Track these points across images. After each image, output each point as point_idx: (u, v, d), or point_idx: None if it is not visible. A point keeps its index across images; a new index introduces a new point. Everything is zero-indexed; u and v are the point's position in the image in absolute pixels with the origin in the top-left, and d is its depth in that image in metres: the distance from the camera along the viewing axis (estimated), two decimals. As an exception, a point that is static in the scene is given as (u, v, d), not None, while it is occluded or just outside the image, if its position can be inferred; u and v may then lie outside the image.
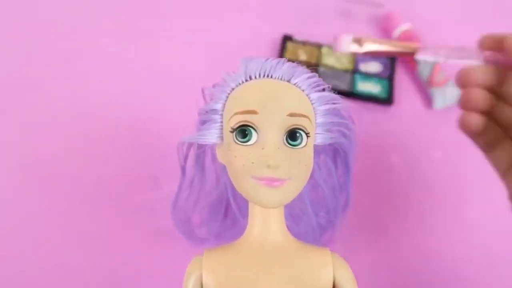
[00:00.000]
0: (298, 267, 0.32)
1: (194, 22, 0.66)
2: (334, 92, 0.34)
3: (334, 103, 0.34)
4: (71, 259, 0.49)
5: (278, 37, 0.65)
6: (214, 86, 0.35)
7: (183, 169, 0.39)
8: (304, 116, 0.31)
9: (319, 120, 0.33)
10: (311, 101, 0.33)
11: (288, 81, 0.32)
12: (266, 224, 0.32)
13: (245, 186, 0.30)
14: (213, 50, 0.63)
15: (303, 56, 0.64)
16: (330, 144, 0.36)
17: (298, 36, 0.65)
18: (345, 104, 0.35)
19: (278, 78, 0.32)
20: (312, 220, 0.42)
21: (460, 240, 0.52)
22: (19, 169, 0.53)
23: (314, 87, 0.33)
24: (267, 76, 0.32)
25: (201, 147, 0.38)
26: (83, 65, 0.61)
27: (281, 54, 0.63)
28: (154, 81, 0.60)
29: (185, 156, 0.38)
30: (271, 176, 0.29)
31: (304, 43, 0.65)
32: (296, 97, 0.32)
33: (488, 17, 0.69)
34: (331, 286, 0.32)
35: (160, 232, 0.49)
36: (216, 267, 0.31)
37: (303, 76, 0.32)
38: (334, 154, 0.38)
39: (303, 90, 0.33)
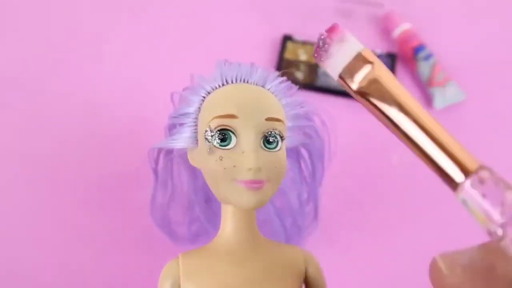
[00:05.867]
0: (271, 264, 0.33)
1: (194, 23, 0.66)
2: (298, 87, 0.36)
3: (301, 107, 0.35)
4: (70, 258, 0.49)
5: (278, 37, 0.65)
6: (184, 89, 0.35)
7: (155, 172, 0.39)
8: (279, 120, 0.32)
9: (289, 124, 0.34)
10: (282, 106, 0.34)
11: (263, 86, 0.33)
12: (239, 224, 0.33)
13: (225, 189, 0.31)
14: (213, 50, 0.63)
15: (303, 56, 0.64)
16: (292, 148, 0.37)
17: (298, 36, 0.65)
18: (315, 104, 0.37)
19: (253, 83, 0.33)
20: (277, 226, 0.43)
21: (460, 239, 0.52)
22: (18, 168, 0.53)
23: (284, 92, 0.34)
24: (243, 81, 0.33)
25: (170, 152, 0.38)
26: (83, 65, 0.61)
27: (281, 54, 0.63)
28: (153, 81, 0.60)
29: (156, 160, 0.38)
30: (253, 179, 0.30)
31: (304, 43, 0.65)
32: (272, 102, 0.33)
33: (488, 17, 0.69)
34: (302, 281, 0.34)
35: (160, 232, 0.49)
36: (194, 271, 0.32)
37: (276, 82, 0.34)
38: (298, 158, 0.39)
39: (275, 96, 0.34)
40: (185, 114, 0.34)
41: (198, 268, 0.32)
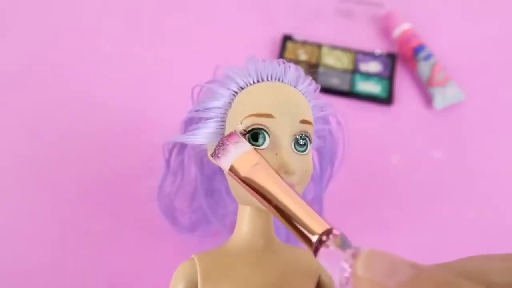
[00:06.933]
0: (289, 269, 0.32)
1: (194, 22, 0.66)
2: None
3: (321, 110, 0.35)
4: (70, 258, 0.49)
5: (278, 37, 0.65)
6: (210, 82, 0.34)
7: (168, 162, 0.39)
8: (311, 123, 0.32)
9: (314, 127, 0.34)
10: (311, 108, 0.33)
11: (295, 86, 0.33)
12: (258, 226, 0.32)
13: None
14: (213, 50, 0.63)
15: (303, 56, 0.64)
16: None
17: (298, 36, 0.65)
18: (334, 108, 0.37)
19: (287, 83, 0.32)
20: (279, 225, 0.43)
21: (460, 239, 0.52)
22: (18, 167, 0.53)
23: (312, 94, 0.34)
24: (278, 79, 0.32)
25: (184, 145, 0.37)
26: (82, 65, 0.61)
27: (281, 54, 0.63)
28: (154, 81, 0.60)
29: (170, 151, 0.38)
30: (288, 182, 0.29)
31: (304, 43, 0.65)
32: (305, 104, 0.32)
33: (488, 17, 0.69)
34: (316, 283, 0.33)
35: (160, 232, 0.49)
36: (214, 273, 0.31)
37: (306, 83, 0.33)
38: None
39: (305, 97, 0.33)
40: (211, 109, 0.32)
41: (218, 271, 0.31)
